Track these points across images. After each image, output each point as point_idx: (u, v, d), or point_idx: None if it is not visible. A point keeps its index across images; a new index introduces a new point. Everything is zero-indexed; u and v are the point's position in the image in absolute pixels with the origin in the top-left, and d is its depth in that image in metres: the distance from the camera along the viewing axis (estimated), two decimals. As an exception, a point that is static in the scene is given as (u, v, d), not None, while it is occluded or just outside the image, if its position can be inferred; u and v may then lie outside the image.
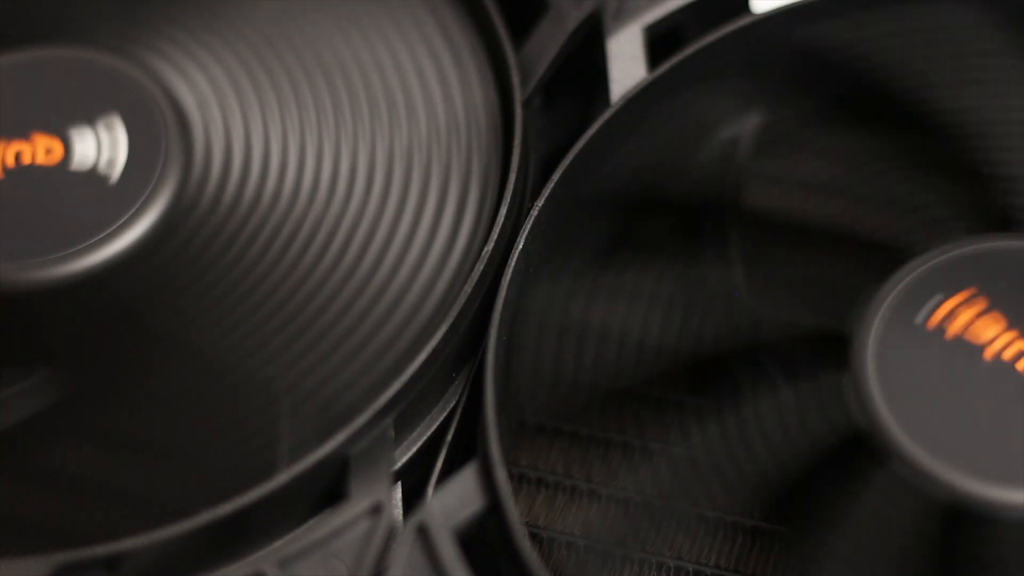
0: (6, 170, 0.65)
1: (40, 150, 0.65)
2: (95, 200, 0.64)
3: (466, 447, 0.62)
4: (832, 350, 0.61)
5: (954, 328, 0.60)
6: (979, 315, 0.60)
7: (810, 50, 0.69)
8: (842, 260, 0.63)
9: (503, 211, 0.63)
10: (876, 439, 0.58)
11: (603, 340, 0.70)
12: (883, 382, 0.59)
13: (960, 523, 0.57)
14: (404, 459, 0.61)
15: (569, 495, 0.66)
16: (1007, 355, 0.59)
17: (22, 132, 0.65)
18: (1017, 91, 0.67)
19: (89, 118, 0.66)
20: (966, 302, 0.60)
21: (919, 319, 0.60)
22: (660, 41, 0.68)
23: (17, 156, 0.65)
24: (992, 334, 0.60)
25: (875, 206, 0.73)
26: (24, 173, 0.64)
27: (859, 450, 0.58)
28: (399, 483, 0.60)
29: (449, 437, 0.61)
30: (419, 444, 0.61)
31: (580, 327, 0.70)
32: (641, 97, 0.66)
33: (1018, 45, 0.67)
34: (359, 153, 0.65)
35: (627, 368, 0.69)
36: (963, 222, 0.64)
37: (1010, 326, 0.60)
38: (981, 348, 0.59)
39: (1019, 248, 0.62)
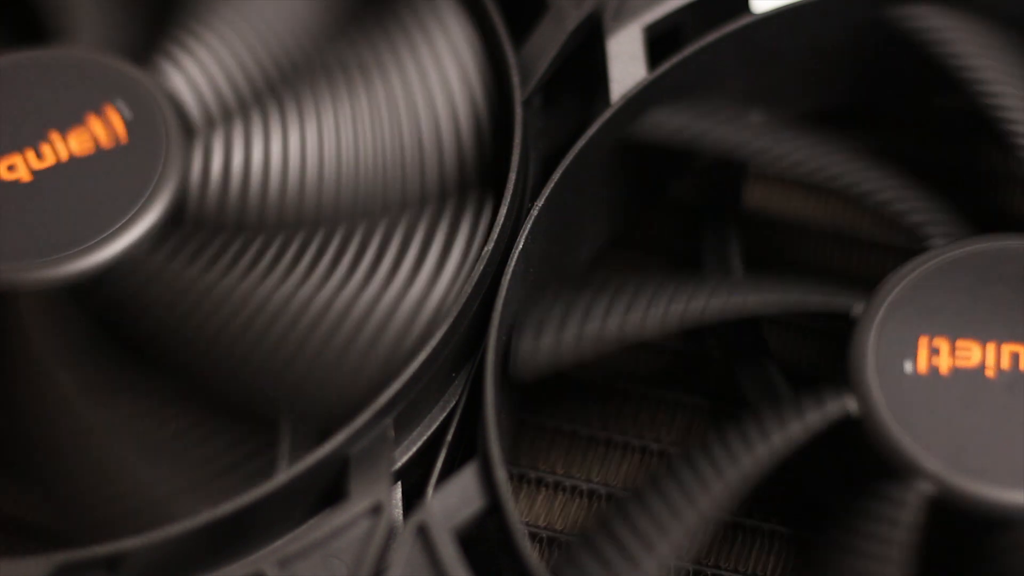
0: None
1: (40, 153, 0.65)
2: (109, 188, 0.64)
3: (466, 447, 0.62)
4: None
5: (945, 363, 0.59)
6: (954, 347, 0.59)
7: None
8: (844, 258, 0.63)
9: (503, 211, 0.63)
10: (944, 497, 0.57)
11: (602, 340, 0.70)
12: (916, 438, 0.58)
13: None
14: (404, 459, 0.61)
15: (569, 495, 0.66)
16: (1005, 364, 0.59)
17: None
18: None
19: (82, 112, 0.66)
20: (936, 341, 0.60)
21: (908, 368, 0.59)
22: (660, 41, 0.68)
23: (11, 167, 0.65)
24: (978, 356, 0.59)
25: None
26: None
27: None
28: (399, 483, 0.60)
29: (449, 437, 0.61)
30: (419, 444, 0.61)
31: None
32: (641, 97, 0.66)
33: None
34: (360, 154, 0.65)
35: (627, 368, 0.69)
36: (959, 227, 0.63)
37: (984, 341, 0.59)
38: (981, 369, 0.59)
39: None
